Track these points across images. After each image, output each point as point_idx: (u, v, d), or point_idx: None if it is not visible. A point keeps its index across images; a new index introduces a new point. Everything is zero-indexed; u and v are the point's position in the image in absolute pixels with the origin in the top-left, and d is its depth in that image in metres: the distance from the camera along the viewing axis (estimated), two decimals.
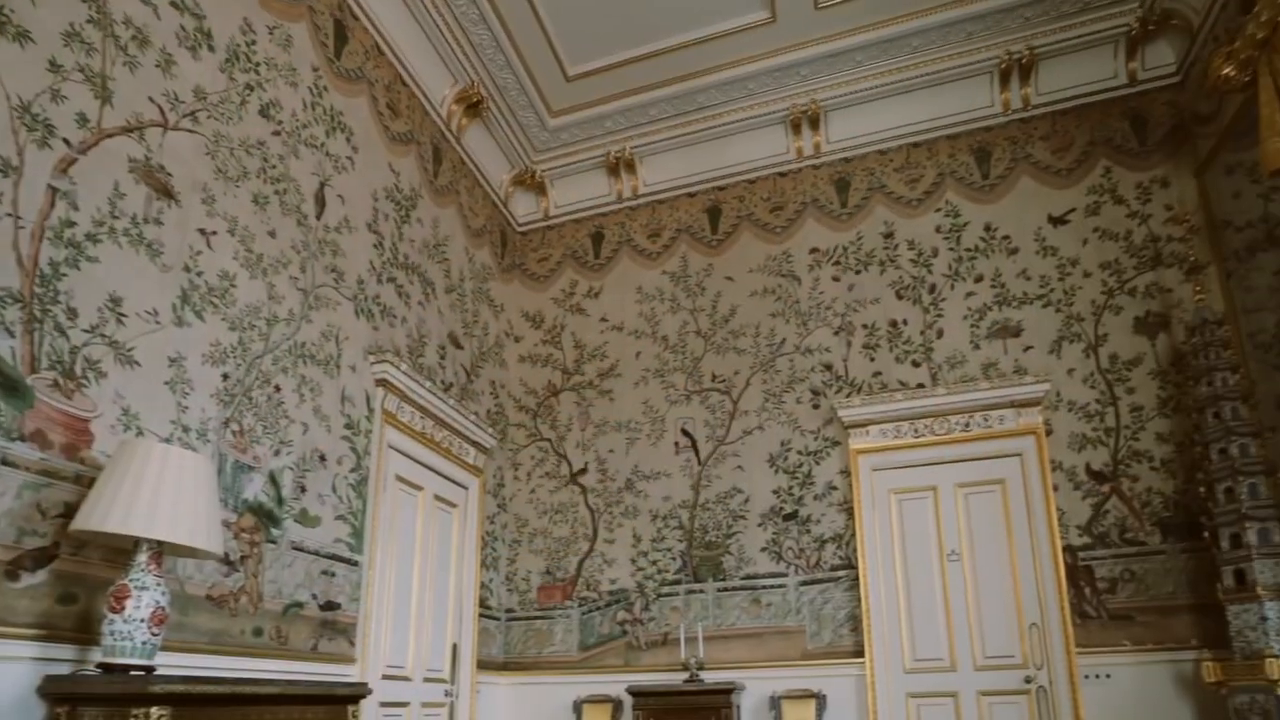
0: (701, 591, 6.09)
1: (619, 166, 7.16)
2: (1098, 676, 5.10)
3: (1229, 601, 4.57)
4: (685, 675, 5.66)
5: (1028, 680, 5.26)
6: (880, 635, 5.57)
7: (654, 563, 6.27)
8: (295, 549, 4.16)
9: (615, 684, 5.91)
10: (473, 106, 6.56)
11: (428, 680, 5.46)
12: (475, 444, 6.24)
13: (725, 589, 6.03)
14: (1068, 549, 5.38)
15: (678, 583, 6.17)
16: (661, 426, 6.60)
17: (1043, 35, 6.16)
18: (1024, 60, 6.20)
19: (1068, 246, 5.99)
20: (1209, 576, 4.91)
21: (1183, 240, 5.67)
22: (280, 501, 4.09)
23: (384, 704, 4.94)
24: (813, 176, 6.81)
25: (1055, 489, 5.50)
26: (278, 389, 4.16)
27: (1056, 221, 6.07)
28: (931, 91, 6.51)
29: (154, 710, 2.47)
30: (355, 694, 3.48)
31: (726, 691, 5.42)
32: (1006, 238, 6.15)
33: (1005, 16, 6.12)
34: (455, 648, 5.76)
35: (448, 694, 5.63)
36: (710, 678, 5.66)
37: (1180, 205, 5.78)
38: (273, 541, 3.99)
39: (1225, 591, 4.60)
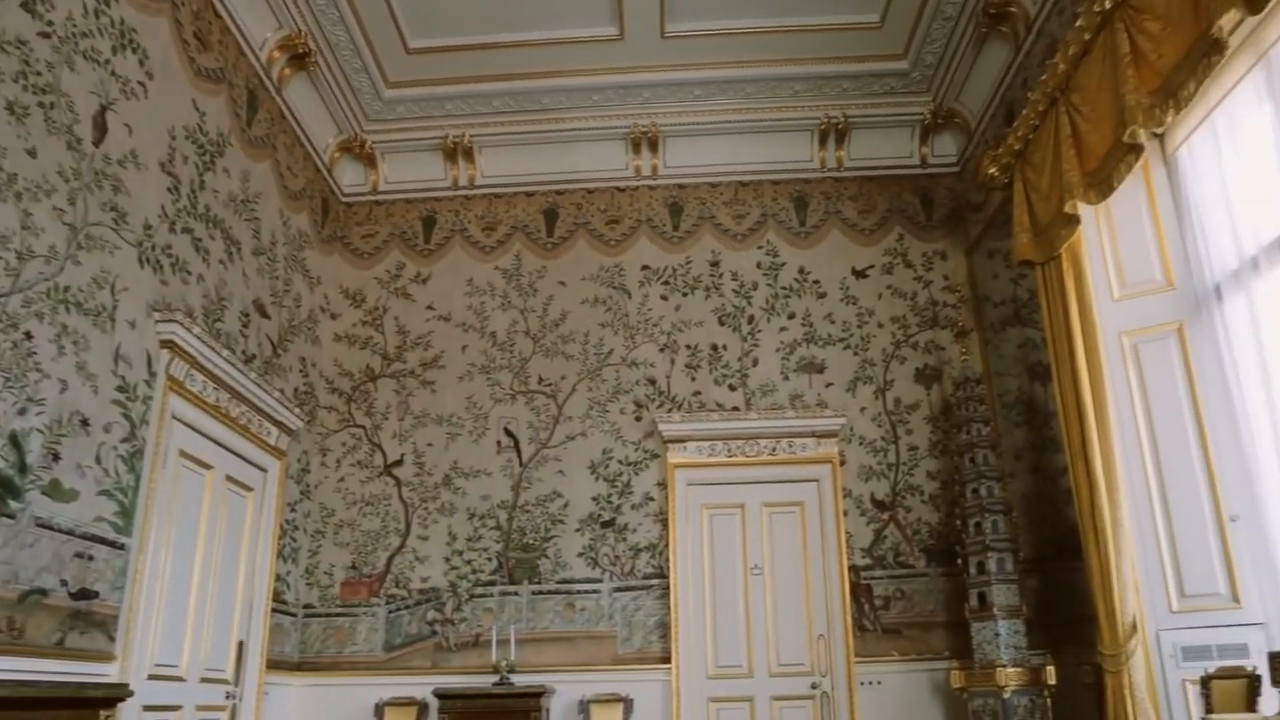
0: (516, 594, 6.06)
1: (456, 152, 6.92)
2: (871, 683, 5.80)
3: (973, 619, 5.37)
4: (496, 678, 5.59)
5: (814, 686, 5.83)
6: (687, 642, 5.88)
7: (469, 562, 6.13)
8: (41, 526, 3.52)
9: (422, 686, 5.69)
10: (299, 58, 6.05)
11: (206, 681, 4.94)
12: (279, 424, 5.72)
13: (540, 592, 6.05)
14: (852, 569, 6.05)
15: (492, 584, 6.09)
16: (484, 424, 6.47)
17: (856, 107, 6.88)
18: (840, 126, 6.89)
19: (866, 298, 6.74)
20: (960, 597, 5.69)
21: (954, 307, 6.58)
22: (23, 469, 3.45)
23: (149, 707, 4.40)
24: (649, 196, 7.06)
25: (845, 514, 6.16)
26: (28, 336, 3.50)
27: (858, 274, 6.81)
28: (761, 137, 7.02)
29: None
30: (112, 696, 3.15)
31: (536, 695, 5.44)
32: (817, 282, 6.79)
33: (826, 83, 6.76)
34: (241, 645, 5.25)
35: (229, 696, 5.11)
36: (521, 681, 5.63)
37: (953, 277, 6.74)
38: (9, 516, 3.35)
39: (971, 611, 5.40)
